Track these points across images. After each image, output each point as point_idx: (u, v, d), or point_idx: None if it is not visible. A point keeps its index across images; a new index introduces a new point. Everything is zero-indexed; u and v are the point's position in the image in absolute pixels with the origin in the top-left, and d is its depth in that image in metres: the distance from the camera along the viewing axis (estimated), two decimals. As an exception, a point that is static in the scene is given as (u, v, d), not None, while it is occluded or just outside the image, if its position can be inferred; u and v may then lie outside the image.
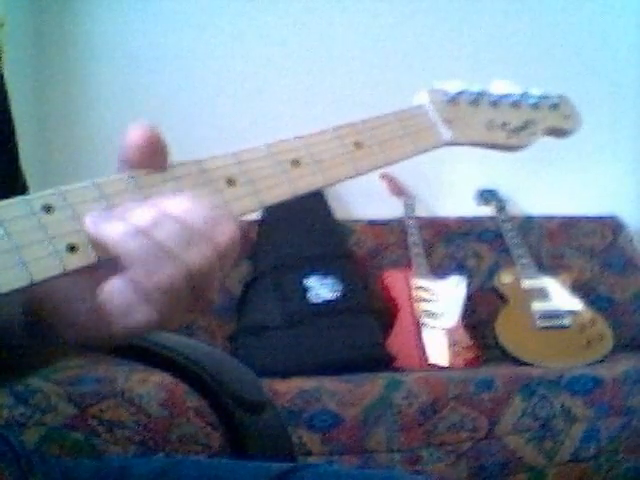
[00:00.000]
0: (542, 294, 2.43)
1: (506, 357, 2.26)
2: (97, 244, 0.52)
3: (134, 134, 0.55)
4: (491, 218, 2.70)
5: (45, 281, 0.50)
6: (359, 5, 2.81)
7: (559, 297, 2.43)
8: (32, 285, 0.49)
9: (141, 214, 0.52)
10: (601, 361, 2.21)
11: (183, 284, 0.52)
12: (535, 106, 0.82)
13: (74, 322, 0.57)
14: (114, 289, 0.52)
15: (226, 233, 0.54)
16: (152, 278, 0.51)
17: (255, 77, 2.76)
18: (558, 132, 0.84)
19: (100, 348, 0.61)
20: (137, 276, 0.51)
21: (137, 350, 1.01)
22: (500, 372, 2.04)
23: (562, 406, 1.94)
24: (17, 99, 0.75)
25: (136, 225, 0.51)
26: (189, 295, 0.53)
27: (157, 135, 0.55)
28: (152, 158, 0.55)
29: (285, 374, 2.03)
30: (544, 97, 0.83)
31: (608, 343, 2.31)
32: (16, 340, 0.62)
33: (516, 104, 0.80)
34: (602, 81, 2.83)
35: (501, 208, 2.71)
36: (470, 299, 2.48)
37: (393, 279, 2.50)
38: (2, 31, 2.31)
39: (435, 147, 0.72)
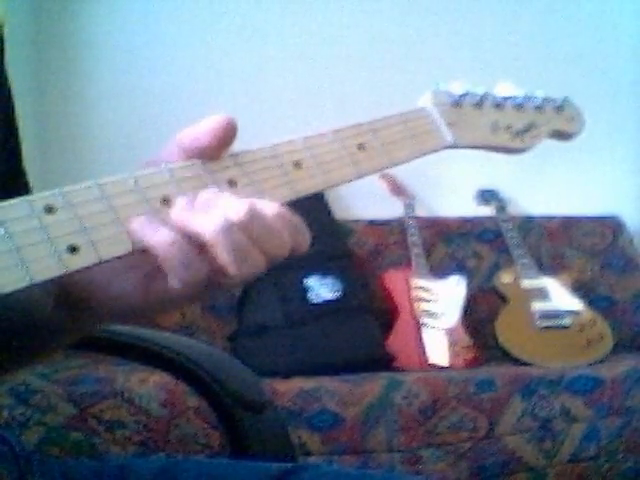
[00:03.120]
0: (542, 294, 2.43)
1: (506, 357, 2.26)
2: (185, 235, 0.53)
3: (215, 121, 0.57)
4: (491, 218, 2.70)
5: (45, 282, 0.50)
6: (361, 5, 2.81)
7: (559, 297, 2.43)
8: (32, 286, 0.49)
9: (233, 206, 0.54)
10: (601, 361, 2.21)
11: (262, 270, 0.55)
12: (539, 108, 0.81)
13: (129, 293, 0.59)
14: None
15: (306, 240, 0.57)
16: (241, 268, 0.53)
17: (255, 77, 2.76)
18: (562, 135, 0.84)
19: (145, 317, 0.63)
20: (229, 265, 0.53)
21: (137, 350, 1.01)
22: (500, 372, 2.04)
23: (562, 406, 1.94)
24: (17, 99, 0.75)
25: (229, 218, 0.53)
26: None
27: (234, 126, 0.58)
28: (224, 148, 0.58)
29: (285, 374, 2.03)
30: (548, 99, 0.83)
31: (608, 343, 2.31)
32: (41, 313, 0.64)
33: (520, 106, 0.80)
34: (602, 81, 2.83)
35: (501, 208, 2.71)
36: (470, 299, 2.48)
37: (393, 279, 2.50)
38: (2, 31, 2.30)
39: (438, 149, 0.72)
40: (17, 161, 0.74)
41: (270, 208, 0.55)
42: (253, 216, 0.54)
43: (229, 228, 0.53)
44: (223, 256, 0.53)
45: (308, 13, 2.79)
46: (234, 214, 0.53)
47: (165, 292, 0.57)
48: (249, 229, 0.53)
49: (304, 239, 0.57)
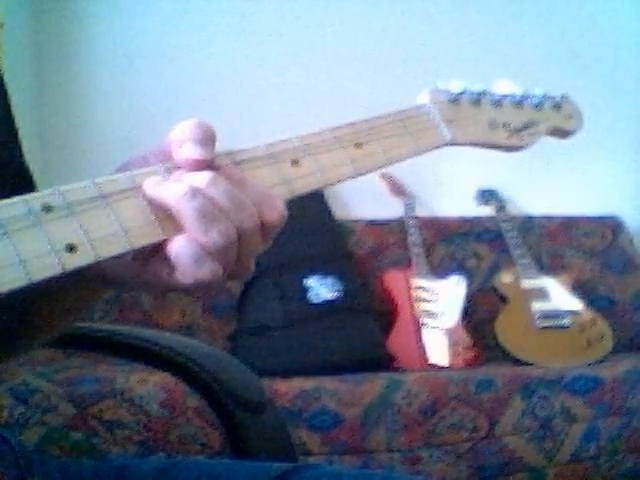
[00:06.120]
0: (542, 294, 2.42)
1: (506, 357, 2.26)
2: (157, 206, 0.55)
3: (190, 127, 0.58)
4: (491, 218, 2.70)
5: (43, 281, 0.50)
6: (360, 4, 2.81)
7: (559, 297, 2.43)
8: (30, 285, 0.49)
9: (197, 176, 0.56)
10: (601, 361, 2.21)
11: (235, 242, 0.56)
12: (537, 106, 0.81)
13: (130, 273, 0.59)
14: (180, 245, 0.55)
15: (275, 209, 0.58)
16: (209, 233, 0.55)
17: (255, 77, 2.76)
18: (560, 132, 0.84)
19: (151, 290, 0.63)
20: (196, 232, 0.55)
21: (137, 350, 1.01)
22: (500, 372, 2.04)
23: (562, 406, 1.94)
24: (17, 99, 0.75)
25: (193, 185, 0.55)
26: (236, 256, 0.57)
27: (213, 132, 0.59)
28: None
29: (285, 374, 2.03)
30: (546, 97, 0.82)
31: (608, 343, 2.31)
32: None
33: (518, 104, 0.80)
34: (602, 81, 2.83)
35: (501, 208, 2.71)
36: (470, 299, 2.48)
37: (393, 279, 2.50)
38: (2, 31, 2.31)
39: (436, 147, 0.72)
40: (19, 158, 0.74)
41: (235, 176, 0.58)
42: (215, 182, 0.56)
43: (191, 193, 0.55)
44: (188, 221, 0.55)
45: (307, 13, 2.80)
46: (197, 181, 0.56)
47: (157, 276, 0.58)
48: (211, 195, 0.55)
49: (273, 209, 0.58)
